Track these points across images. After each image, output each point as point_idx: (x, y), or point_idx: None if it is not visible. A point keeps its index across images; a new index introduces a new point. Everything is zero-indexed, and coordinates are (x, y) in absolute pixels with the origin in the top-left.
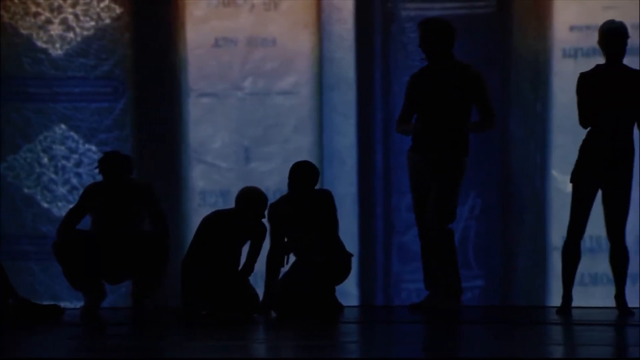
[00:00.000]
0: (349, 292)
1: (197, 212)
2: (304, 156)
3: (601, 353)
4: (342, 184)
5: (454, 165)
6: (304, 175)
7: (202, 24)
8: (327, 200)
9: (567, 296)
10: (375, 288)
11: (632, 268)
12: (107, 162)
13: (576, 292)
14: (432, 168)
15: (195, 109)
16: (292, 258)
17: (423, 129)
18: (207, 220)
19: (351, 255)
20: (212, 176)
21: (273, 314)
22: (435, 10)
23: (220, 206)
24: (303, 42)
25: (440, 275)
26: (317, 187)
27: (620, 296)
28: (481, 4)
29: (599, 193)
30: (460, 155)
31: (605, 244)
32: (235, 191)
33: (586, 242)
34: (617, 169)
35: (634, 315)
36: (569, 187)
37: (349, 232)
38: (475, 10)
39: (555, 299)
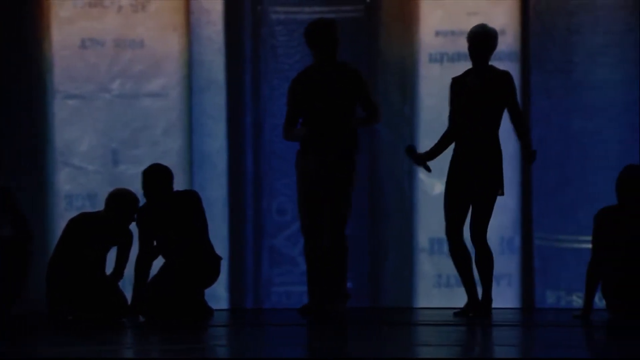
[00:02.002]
0: (218, 295)
1: (63, 216)
2: (173, 159)
3: (463, 353)
4: (213, 187)
5: (349, 166)
6: (152, 179)
7: (68, 25)
8: (192, 201)
9: (471, 297)
10: (245, 291)
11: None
12: None
13: (442, 293)
14: (326, 170)
15: (61, 110)
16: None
17: (311, 133)
18: (73, 222)
19: (220, 258)
20: (79, 179)
21: (141, 318)
22: (304, 13)
23: (88, 210)
24: (172, 44)
25: (332, 278)
26: (184, 188)
27: (486, 297)
28: (349, 8)
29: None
30: (353, 153)
31: (471, 246)
32: (102, 194)
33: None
34: (483, 172)
35: (490, 316)
36: (436, 190)
37: (219, 236)
38: (343, 14)
39: (422, 300)
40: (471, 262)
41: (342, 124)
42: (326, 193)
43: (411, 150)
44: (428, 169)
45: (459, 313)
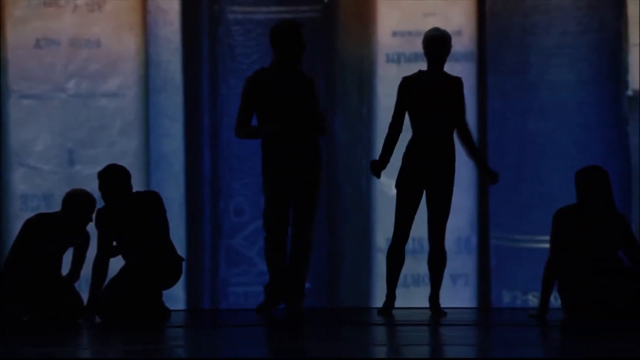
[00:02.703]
0: (176, 296)
1: (19, 217)
2: (129, 159)
3: (421, 353)
4: (169, 188)
5: (317, 166)
6: (109, 180)
7: (22, 24)
8: (153, 202)
9: (390, 297)
10: (202, 292)
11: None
12: None
13: (399, 293)
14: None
15: (16, 110)
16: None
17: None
18: (30, 223)
19: (182, 258)
20: (34, 180)
21: (97, 319)
22: (262, 13)
23: (43, 210)
24: (128, 44)
25: (295, 278)
26: (141, 188)
27: (434, 297)
28: (306, 8)
29: (424, 197)
30: (319, 154)
31: (427, 245)
32: (58, 195)
33: (409, 244)
34: (439, 173)
35: (447, 315)
36: (393, 190)
37: (176, 236)
38: (301, 14)
39: (380, 300)
40: (402, 266)
41: (299, 126)
42: (296, 194)
43: (374, 164)
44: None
45: (381, 311)
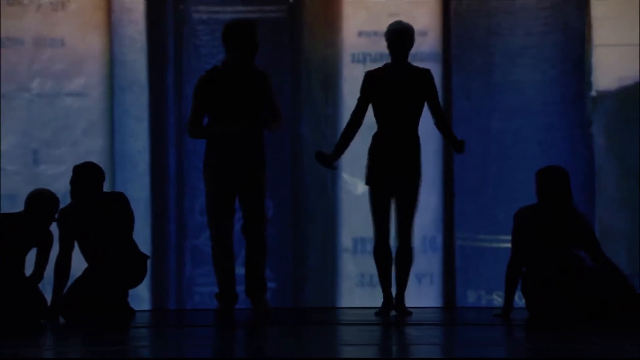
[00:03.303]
0: (141, 296)
1: None
2: (94, 159)
3: (386, 352)
4: (135, 188)
5: (262, 164)
6: (85, 176)
7: None
8: (120, 203)
9: (387, 298)
10: (167, 292)
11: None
12: None
13: (364, 292)
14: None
15: None
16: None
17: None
18: None
19: (147, 257)
20: None
21: (61, 319)
22: (227, 13)
23: (7, 211)
24: (93, 44)
25: (255, 274)
26: (108, 190)
27: (399, 297)
28: (272, 8)
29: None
30: (263, 153)
31: (394, 244)
32: (22, 195)
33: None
34: (405, 167)
35: (412, 314)
36: (359, 189)
37: (141, 236)
38: (267, 14)
39: (345, 300)
40: (392, 263)
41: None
42: (240, 189)
43: (320, 155)
44: (334, 168)
45: (379, 312)
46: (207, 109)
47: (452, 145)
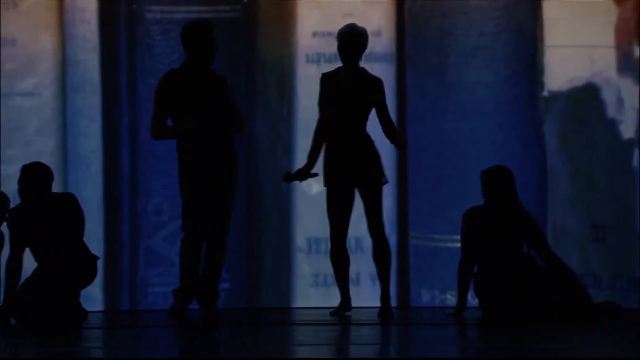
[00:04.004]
0: (94, 296)
1: None
2: (47, 159)
3: (340, 352)
4: (87, 188)
5: (234, 166)
6: (33, 176)
7: None
8: (70, 204)
9: (345, 299)
10: (121, 292)
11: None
12: None
13: (319, 292)
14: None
15: None
16: None
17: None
18: None
19: (97, 257)
20: None
21: (12, 321)
22: (180, 13)
23: None
24: (45, 43)
25: (211, 279)
26: (60, 190)
27: (385, 296)
28: (226, 7)
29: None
30: (234, 154)
31: (353, 245)
32: None
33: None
34: (364, 168)
35: (393, 316)
36: (313, 190)
37: (94, 237)
38: (221, 14)
39: (300, 300)
40: (349, 265)
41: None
42: (213, 194)
43: (288, 176)
44: (314, 175)
45: (334, 312)
46: (169, 111)
47: (395, 143)
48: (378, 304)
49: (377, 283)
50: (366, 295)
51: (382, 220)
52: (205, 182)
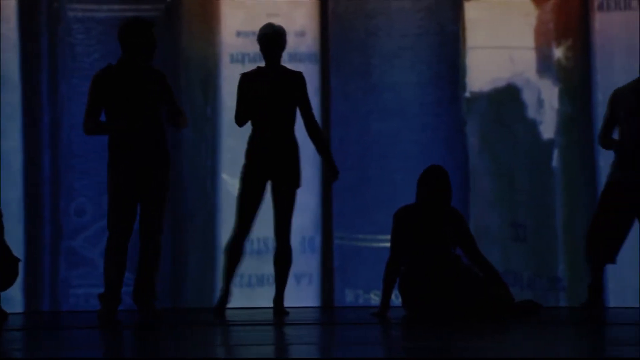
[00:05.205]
0: (14, 298)
1: None
2: None
3: (264, 352)
4: (7, 188)
5: (166, 165)
6: None
7: None
8: None
9: (226, 293)
10: (41, 294)
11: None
12: None
13: (242, 293)
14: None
15: None
16: None
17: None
18: None
19: (18, 260)
20: None
21: None
22: (102, 11)
23: None
24: None
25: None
26: None
27: (278, 298)
28: (148, 6)
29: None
30: (167, 154)
31: (272, 245)
32: None
33: (254, 244)
34: (282, 168)
35: (289, 314)
36: (238, 190)
37: (14, 237)
38: (143, 12)
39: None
40: (241, 261)
41: (149, 124)
42: (144, 192)
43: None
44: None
45: (215, 308)
46: (104, 107)
47: (326, 169)
48: (302, 304)
49: (301, 282)
50: (289, 296)
51: (289, 225)
52: (138, 180)
